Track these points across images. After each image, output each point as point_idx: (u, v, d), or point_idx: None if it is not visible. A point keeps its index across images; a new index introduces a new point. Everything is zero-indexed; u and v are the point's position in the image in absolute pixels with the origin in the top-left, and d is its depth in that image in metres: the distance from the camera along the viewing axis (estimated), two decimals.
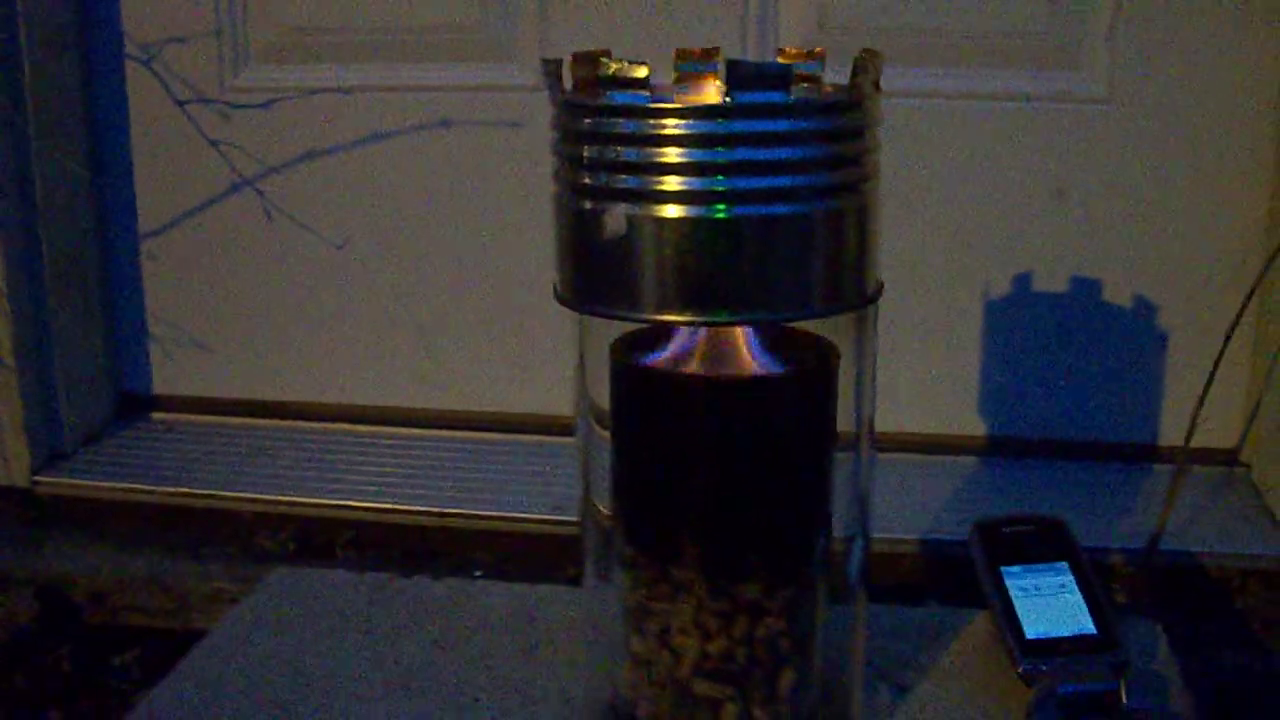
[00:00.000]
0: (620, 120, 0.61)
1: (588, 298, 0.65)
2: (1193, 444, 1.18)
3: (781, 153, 0.60)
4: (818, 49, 0.71)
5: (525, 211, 1.35)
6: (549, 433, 1.40)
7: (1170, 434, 1.30)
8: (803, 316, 0.64)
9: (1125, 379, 1.30)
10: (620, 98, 0.60)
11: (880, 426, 0.73)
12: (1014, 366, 1.32)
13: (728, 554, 0.69)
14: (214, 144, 1.39)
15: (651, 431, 0.68)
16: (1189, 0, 1.21)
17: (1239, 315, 1.16)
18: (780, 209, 0.60)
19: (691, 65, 0.72)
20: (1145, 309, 1.28)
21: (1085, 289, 1.28)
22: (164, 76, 1.38)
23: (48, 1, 1.32)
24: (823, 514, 0.70)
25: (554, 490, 1.32)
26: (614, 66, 0.60)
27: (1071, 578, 0.80)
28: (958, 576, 1.19)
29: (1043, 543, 0.82)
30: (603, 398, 0.71)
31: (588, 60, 0.67)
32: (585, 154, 0.62)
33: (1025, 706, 0.74)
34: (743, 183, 0.60)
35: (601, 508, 0.73)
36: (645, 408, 0.68)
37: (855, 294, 0.65)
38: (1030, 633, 0.77)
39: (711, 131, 0.59)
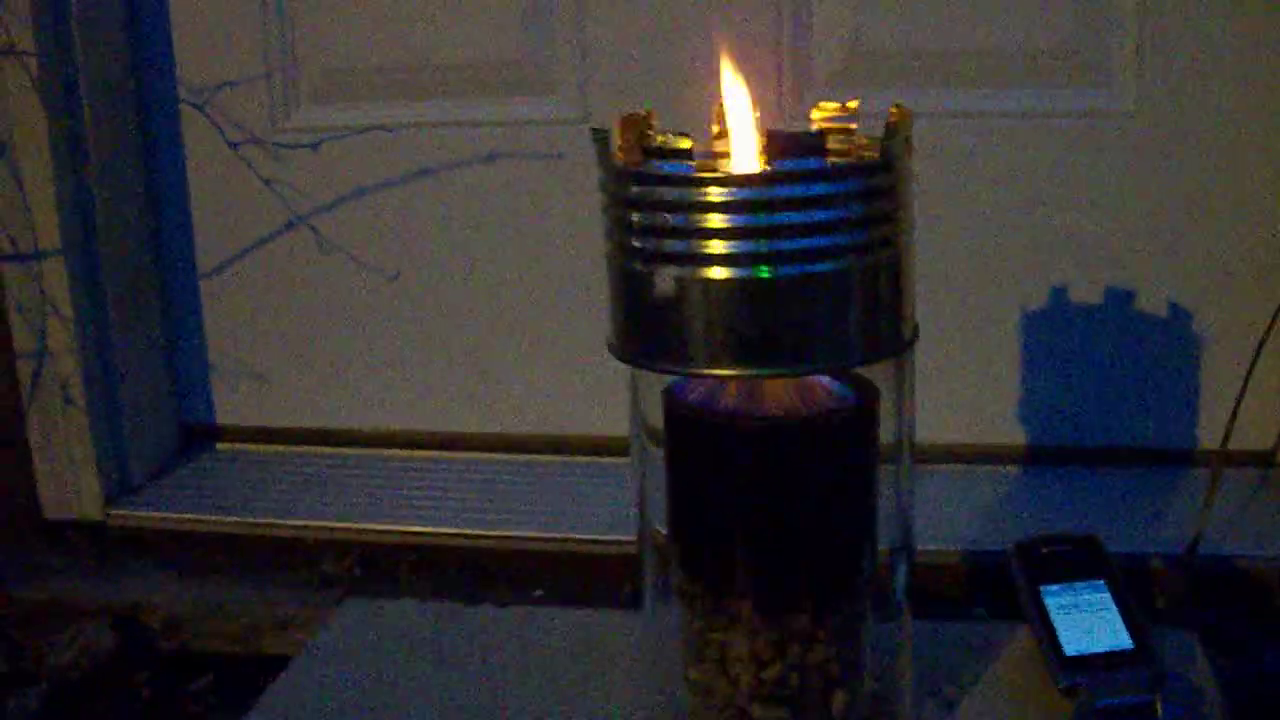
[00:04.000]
0: (666, 189, 0.65)
1: (639, 352, 0.69)
2: (1229, 447, 1.20)
3: (820, 215, 0.64)
4: (851, 103, 0.75)
5: (570, 239, 1.39)
6: (602, 453, 1.45)
7: (1205, 438, 1.33)
8: (843, 366, 0.68)
9: (1159, 385, 1.33)
10: (665, 167, 0.64)
11: (918, 437, 0.77)
12: (1049, 375, 1.35)
13: (778, 587, 0.73)
14: (267, 183, 1.44)
15: (704, 474, 0.72)
16: (1213, 15, 1.23)
17: (1270, 325, 1.19)
18: (820, 267, 0.64)
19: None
20: (1178, 316, 1.31)
21: (1118, 298, 1.31)
22: (217, 119, 1.43)
23: (104, 49, 1.38)
24: (868, 544, 0.74)
25: (609, 510, 1.36)
26: (660, 138, 0.64)
27: (1108, 594, 0.83)
28: (1000, 586, 1.23)
29: (1079, 560, 0.85)
30: (656, 423, 0.75)
31: (634, 125, 0.71)
32: (633, 219, 0.66)
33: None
34: (784, 244, 0.64)
35: (659, 530, 0.77)
36: (698, 452, 0.72)
37: (893, 341, 0.69)
38: (1069, 649, 0.80)
39: (753, 198, 0.63)
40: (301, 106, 1.43)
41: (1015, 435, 1.37)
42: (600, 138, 0.68)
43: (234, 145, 1.44)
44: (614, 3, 1.34)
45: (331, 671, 0.91)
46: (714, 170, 0.65)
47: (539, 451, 1.48)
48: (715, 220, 0.64)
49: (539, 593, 1.32)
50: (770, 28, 1.32)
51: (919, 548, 0.80)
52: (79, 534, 1.44)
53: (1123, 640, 0.80)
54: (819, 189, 0.63)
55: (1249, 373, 1.19)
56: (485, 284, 1.44)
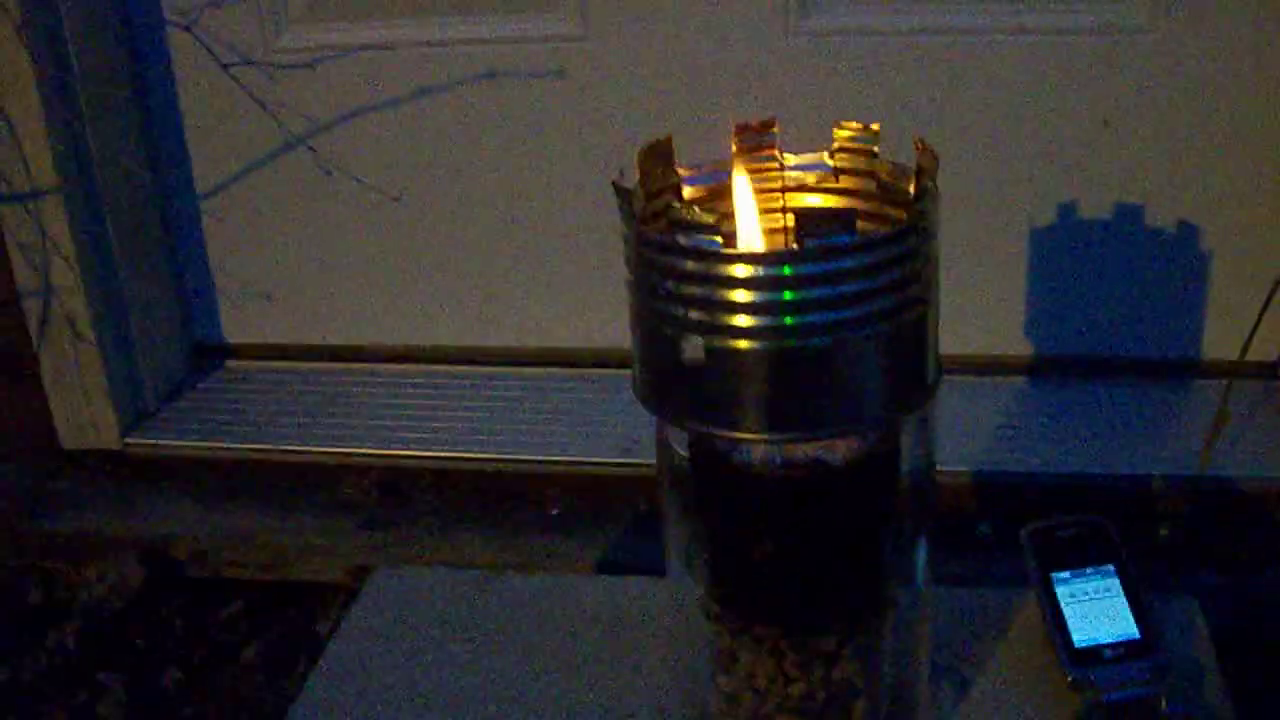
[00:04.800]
0: (691, 262, 0.64)
1: (665, 406, 0.70)
2: (1232, 358, 1.21)
3: (848, 288, 0.63)
4: (874, 125, 0.74)
5: (572, 156, 1.38)
6: (609, 366, 1.46)
7: (1211, 349, 1.34)
8: (869, 428, 0.69)
9: (1168, 298, 1.34)
10: (692, 242, 0.64)
11: None
12: (1060, 289, 1.35)
13: (805, 615, 0.75)
14: (262, 104, 1.41)
15: (730, 514, 0.74)
16: None
17: None
18: (845, 335, 0.64)
19: (751, 137, 0.76)
20: (1187, 231, 1.30)
21: (1129, 214, 1.31)
22: (206, 40, 1.40)
23: None
24: (887, 573, 0.76)
25: (620, 428, 1.37)
26: (685, 212, 0.63)
27: (1117, 580, 0.85)
28: (1007, 505, 1.26)
29: (1089, 545, 0.87)
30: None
31: (653, 167, 0.70)
32: (662, 285, 0.66)
33: (1074, 713, 0.81)
34: (811, 318, 0.64)
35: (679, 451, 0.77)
36: (724, 494, 0.73)
37: (918, 393, 0.69)
38: (1078, 640, 0.83)
39: (780, 275, 0.63)
40: (294, 25, 1.39)
41: (1024, 346, 1.39)
42: (623, 197, 0.67)
43: (226, 66, 1.40)
44: None
45: (367, 656, 0.94)
46: (741, 246, 0.64)
47: (548, 365, 1.49)
48: (742, 295, 0.63)
49: (555, 511, 1.35)
50: None
51: None
52: (99, 463, 1.46)
53: (1130, 629, 0.83)
54: (847, 263, 0.63)
55: (1274, 287, 1.18)
56: (488, 202, 1.42)
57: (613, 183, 0.68)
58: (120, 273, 1.41)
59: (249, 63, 1.40)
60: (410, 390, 1.48)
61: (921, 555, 0.80)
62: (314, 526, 1.36)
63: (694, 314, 0.65)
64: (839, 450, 0.72)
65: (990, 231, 1.33)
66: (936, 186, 0.68)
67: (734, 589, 0.76)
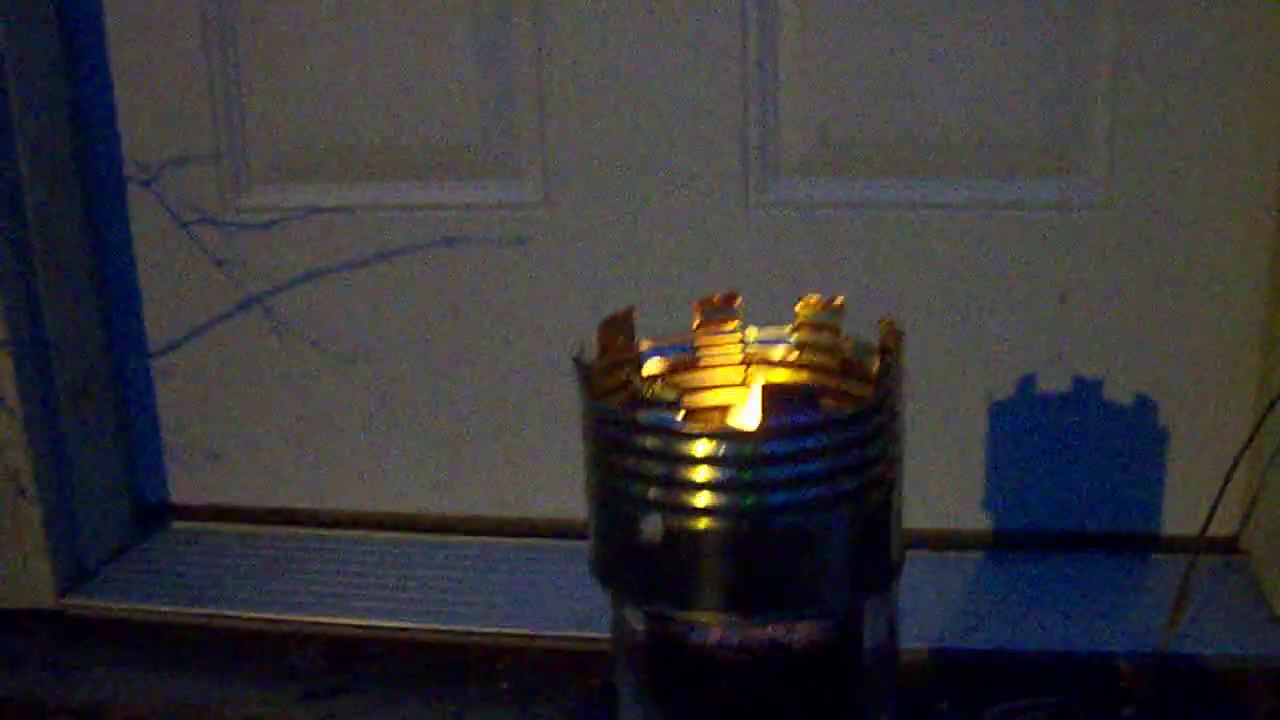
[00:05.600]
0: (652, 438, 0.63)
1: (621, 586, 0.67)
2: (1193, 534, 1.20)
3: (812, 468, 0.62)
4: (838, 300, 0.73)
5: (532, 324, 1.37)
6: (568, 536, 1.43)
7: (1172, 523, 1.33)
8: (832, 610, 0.67)
9: (1127, 472, 1.33)
10: (653, 418, 0.62)
11: None
12: (1019, 462, 1.35)
13: None
14: (219, 263, 1.40)
15: (688, 697, 0.71)
16: (1187, 100, 1.22)
17: (1262, 419, 1.19)
18: (811, 520, 0.63)
19: (713, 312, 0.75)
20: (1146, 406, 1.30)
21: (1088, 388, 1.31)
22: (165, 197, 1.39)
23: (48, 132, 1.33)
24: None
25: (577, 600, 1.34)
26: (646, 388, 0.62)
27: None
28: (967, 683, 1.23)
29: None
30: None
31: (614, 330, 0.69)
32: (620, 461, 0.64)
33: None
34: (775, 498, 0.62)
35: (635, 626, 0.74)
36: (682, 677, 0.71)
37: (882, 573, 0.67)
38: None
39: (741, 452, 0.61)
40: (255, 186, 1.39)
41: (982, 521, 1.37)
42: (583, 371, 0.66)
43: (184, 225, 1.39)
44: (577, 86, 1.30)
45: None
46: (703, 424, 0.63)
47: (503, 534, 1.46)
48: (703, 473, 0.62)
49: (505, 685, 1.31)
50: (738, 116, 1.29)
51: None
52: (35, 624, 1.41)
53: None
54: (811, 443, 0.62)
55: (1233, 464, 1.18)
56: (445, 368, 1.41)
57: (573, 358, 0.67)
58: (66, 428, 1.38)
59: (208, 221, 1.39)
60: (362, 557, 1.45)
61: None
62: (255, 697, 1.31)
63: (653, 492, 0.64)
64: (800, 632, 0.70)
65: (948, 404, 1.33)
66: (900, 366, 0.68)
67: None
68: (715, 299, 0.75)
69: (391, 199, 1.37)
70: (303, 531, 1.49)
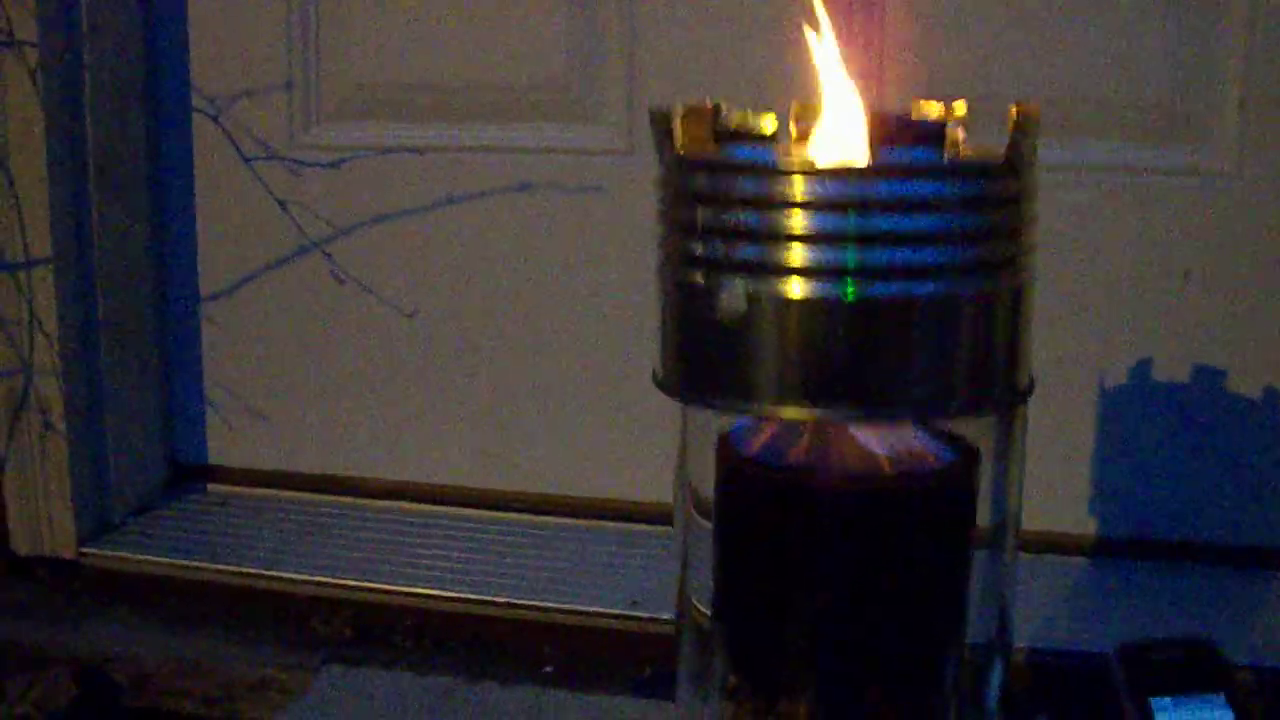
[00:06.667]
0: (741, 179, 0.52)
1: (694, 386, 0.56)
2: None
3: (926, 222, 0.51)
4: (959, 107, 0.63)
5: (607, 281, 1.28)
6: (628, 519, 1.32)
7: None
8: (944, 415, 0.55)
9: (1253, 477, 1.19)
10: (743, 154, 0.52)
11: (982, 520, 0.64)
12: (1130, 462, 1.22)
13: (847, 687, 0.59)
14: (281, 204, 1.33)
15: (764, 544, 0.59)
16: None
17: None
18: (922, 288, 0.52)
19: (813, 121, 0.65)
20: (1274, 400, 1.18)
21: (1210, 378, 1.18)
22: (232, 131, 1.33)
23: (116, 49, 1.27)
24: (956, 640, 0.61)
25: (632, 583, 1.23)
26: (736, 117, 0.52)
27: (1229, 712, 0.69)
28: (1070, 691, 1.09)
29: (1194, 670, 0.72)
30: (706, 488, 0.62)
31: (699, 114, 0.59)
32: (699, 219, 0.54)
33: None
34: (880, 255, 0.51)
35: (700, 608, 0.64)
36: (757, 516, 0.59)
37: (1006, 391, 0.56)
38: None
39: (847, 195, 0.51)
40: (323, 122, 1.33)
41: (1088, 525, 1.24)
42: (660, 121, 0.56)
43: (249, 160, 1.33)
44: (669, 20, 1.23)
45: None
46: (801, 160, 0.52)
47: (558, 514, 1.35)
48: (799, 221, 0.51)
49: (549, 669, 1.19)
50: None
51: (980, 641, 0.66)
52: (48, 573, 1.32)
53: None
54: (928, 189, 0.51)
55: None
56: (511, 327, 1.32)
57: (649, 110, 0.57)
58: (104, 365, 1.30)
59: (274, 158, 1.32)
60: (404, 527, 1.34)
61: (997, 674, 0.65)
62: (274, 661, 1.20)
63: (737, 249, 0.53)
64: (904, 461, 0.58)
65: (1054, 391, 1.21)
66: (1036, 146, 0.57)
67: (760, 648, 0.61)
68: (817, 106, 0.65)
69: (464, 140, 1.29)
70: (344, 500, 1.39)
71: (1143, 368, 1.20)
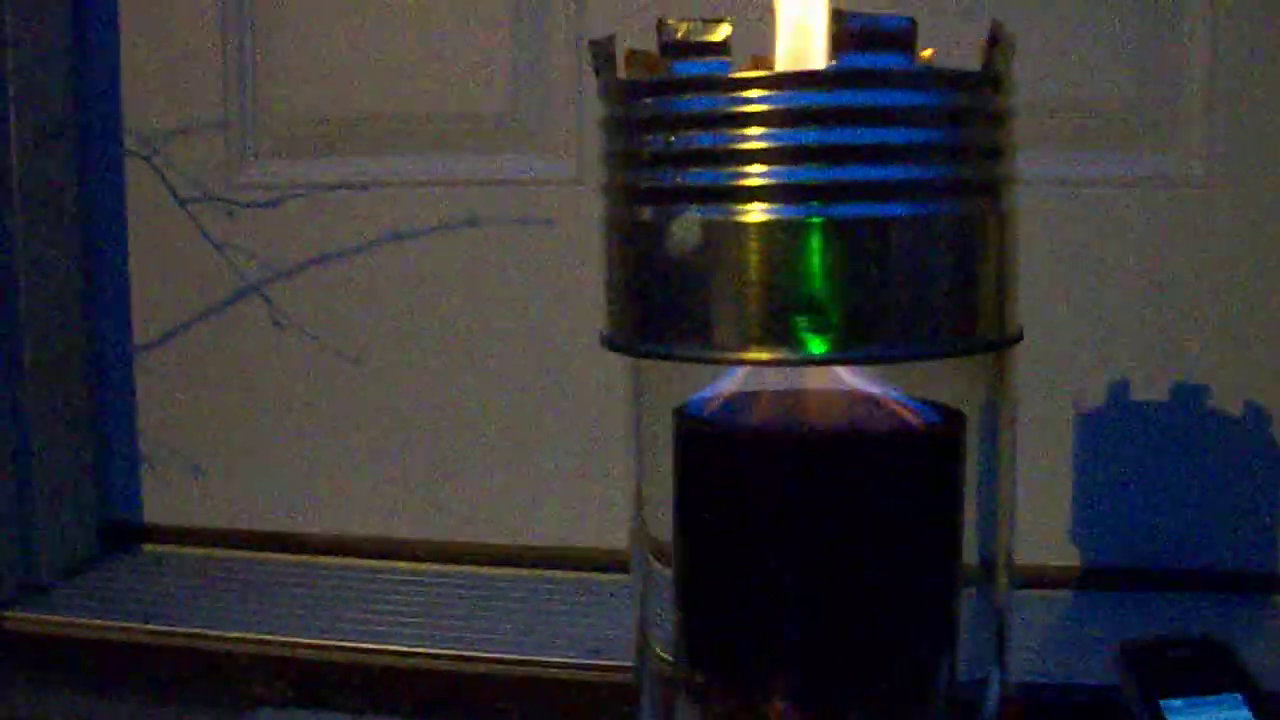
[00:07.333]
0: (691, 96, 0.47)
1: (646, 336, 0.51)
2: None
3: (898, 135, 0.46)
4: (925, 52, 0.58)
5: (560, 319, 1.22)
6: (582, 568, 1.25)
7: None
8: (925, 355, 0.50)
9: (1236, 498, 1.14)
10: (692, 68, 0.47)
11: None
12: (1105, 485, 1.16)
13: (825, 681, 0.53)
14: (218, 247, 1.27)
15: (729, 516, 0.53)
16: None
17: None
18: (894, 209, 0.47)
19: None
20: (1257, 417, 1.13)
21: (1189, 396, 1.14)
22: (165, 172, 1.27)
23: (43, 88, 1.22)
24: (948, 629, 0.54)
25: (591, 632, 1.16)
26: (683, 28, 0.47)
27: (1248, 713, 0.63)
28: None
29: (1207, 670, 0.66)
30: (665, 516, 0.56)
31: (646, 55, 0.54)
32: (646, 147, 0.49)
33: None
34: (848, 173, 0.46)
35: (660, 652, 0.58)
36: (721, 485, 0.53)
37: (993, 329, 0.50)
38: None
39: (809, 105, 0.46)
40: (261, 159, 1.28)
41: (1069, 556, 1.18)
42: (600, 50, 0.51)
43: (183, 202, 1.27)
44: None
45: None
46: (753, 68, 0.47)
47: (514, 564, 1.28)
48: (756, 137, 0.46)
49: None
50: None
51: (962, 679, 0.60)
52: None
53: None
54: (900, 98, 0.46)
55: None
56: (459, 369, 1.26)
57: (589, 40, 0.52)
58: (30, 414, 1.23)
59: (208, 198, 1.27)
60: (352, 582, 1.27)
61: (994, 685, 0.59)
62: None
63: (690, 174, 0.48)
64: (880, 421, 0.52)
65: (1029, 415, 1.15)
66: (1011, 68, 0.52)
67: (723, 637, 0.54)
68: None
69: (409, 173, 1.24)
70: (288, 558, 1.31)
71: (1119, 387, 1.15)
